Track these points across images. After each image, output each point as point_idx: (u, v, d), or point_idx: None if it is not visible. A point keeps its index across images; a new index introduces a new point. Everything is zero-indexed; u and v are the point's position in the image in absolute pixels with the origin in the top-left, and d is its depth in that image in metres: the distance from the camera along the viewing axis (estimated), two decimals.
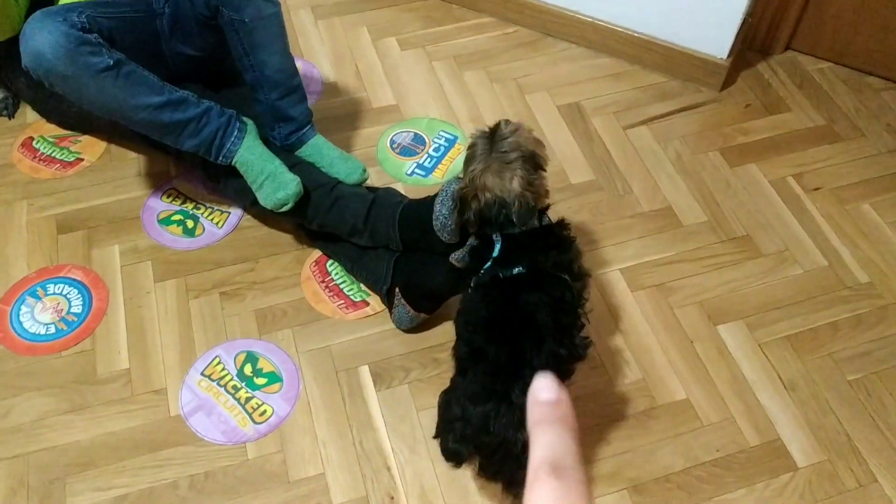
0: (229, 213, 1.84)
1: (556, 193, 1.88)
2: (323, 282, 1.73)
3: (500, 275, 1.30)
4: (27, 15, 1.69)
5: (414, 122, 2.05)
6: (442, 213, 1.45)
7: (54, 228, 1.81)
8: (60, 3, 1.71)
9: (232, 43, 1.64)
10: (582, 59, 2.22)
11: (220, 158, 1.63)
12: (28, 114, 2.05)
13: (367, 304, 1.69)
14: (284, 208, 1.62)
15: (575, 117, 2.06)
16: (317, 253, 1.77)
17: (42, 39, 1.43)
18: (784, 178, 1.94)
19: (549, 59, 2.22)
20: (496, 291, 1.30)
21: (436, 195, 1.52)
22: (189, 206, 1.85)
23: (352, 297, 1.70)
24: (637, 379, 1.60)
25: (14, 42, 1.72)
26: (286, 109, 1.70)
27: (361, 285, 1.71)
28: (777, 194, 1.91)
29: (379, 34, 2.27)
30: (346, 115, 2.05)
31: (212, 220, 1.83)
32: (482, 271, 1.33)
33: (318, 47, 2.21)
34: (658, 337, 1.66)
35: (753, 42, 2.23)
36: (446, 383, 1.57)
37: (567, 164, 1.95)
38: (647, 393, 1.58)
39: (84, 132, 1.99)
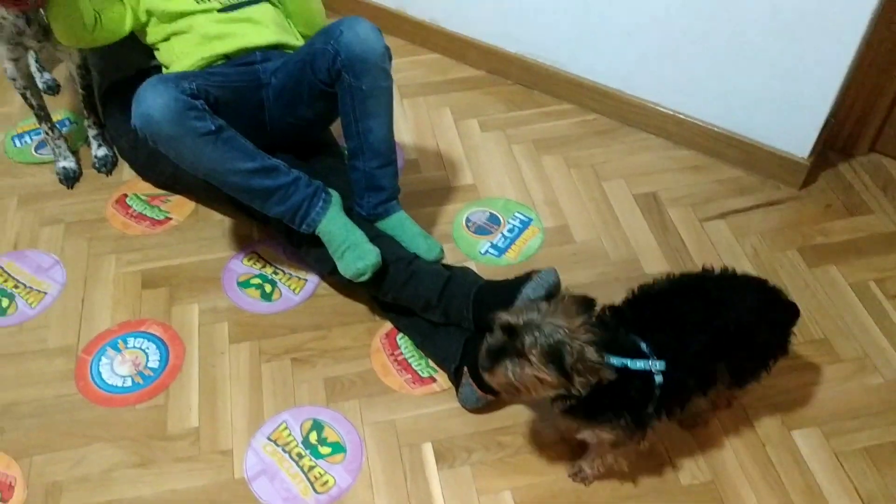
0: (306, 280, 1.89)
1: (631, 283, 1.84)
2: (392, 354, 1.75)
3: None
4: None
5: (490, 202, 2.09)
6: (530, 299, 1.46)
7: (139, 283, 1.88)
8: (172, 70, 1.83)
9: (344, 109, 1.71)
10: (660, 150, 2.23)
11: (304, 227, 1.68)
12: (125, 171, 2.16)
13: (434, 380, 1.70)
14: (362, 278, 1.65)
15: (651, 207, 2.07)
16: (388, 325, 1.80)
17: (153, 102, 1.52)
18: (865, 283, 1.90)
19: (626, 147, 2.24)
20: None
21: (520, 281, 1.53)
22: (268, 271, 1.91)
23: (419, 372, 1.71)
24: (706, 480, 1.55)
25: (121, 103, 1.84)
26: (380, 179, 1.75)
27: (429, 361, 1.72)
28: (857, 298, 1.86)
29: (461, 115, 2.33)
30: (425, 192, 2.10)
31: (289, 286, 1.87)
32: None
33: (402, 124, 2.28)
34: (729, 437, 1.61)
35: (836, 142, 2.21)
36: (509, 467, 1.56)
37: (642, 253, 1.95)
38: (716, 495, 1.53)
39: (175, 193, 2.08)
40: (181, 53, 1.85)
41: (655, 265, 1.93)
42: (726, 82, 2.07)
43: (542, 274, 1.52)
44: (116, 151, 2.16)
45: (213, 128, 1.56)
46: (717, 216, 2.05)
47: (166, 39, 1.89)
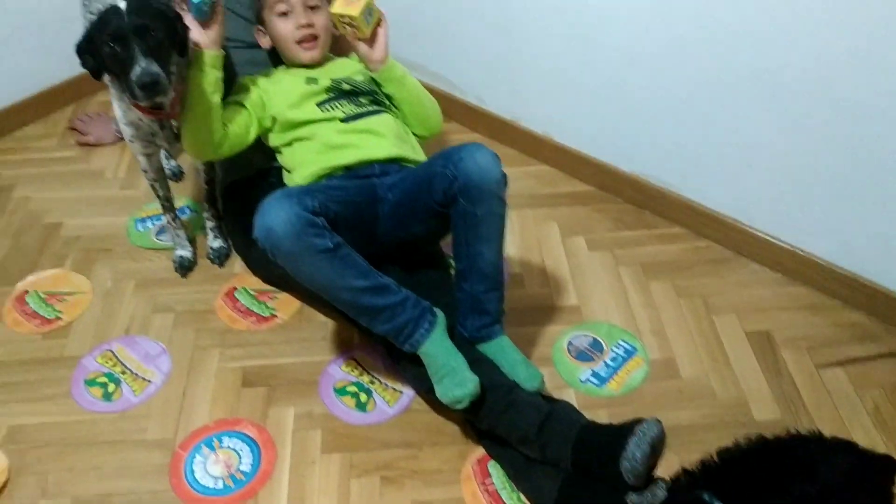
0: (402, 392, 1.87)
1: (738, 428, 1.77)
2: (483, 483, 1.69)
3: None
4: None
5: (594, 326, 2.04)
6: (636, 457, 1.40)
7: (240, 381, 1.90)
8: (295, 182, 1.88)
9: (456, 231, 1.72)
10: (775, 285, 2.15)
11: (407, 346, 1.68)
12: (236, 264, 2.22)
13: None
14: (459, 406, 1.62)
15: (764, 347, 1.97)
16: (481, 450, 1.75)
17: (276, 217, 1.56)
18: None
19: (740, 279, 2.16)
20: None
21: (625, 429, 1.47)
22: (365, 379, 1.90)
23: None
24: None
25: (241, 201, 1.92)
26: (485, 303, 1.74)
27: (521, 495, 1.66)
28: None
29: (569, 231, 2.31)
30: (527, 309, 2.07)
31: (384, 397, 1.86)
32: None
33: (508, 236, 2.25)
34: None
35: None
36: None
37: (752, 397, 1.85)
38: None
39: (283, 290, 2.12)
40: (303, 160, 1.91)
41: (766, 412, 1.82)
42: (852, 222, 1.99)
43: (645, 427, 1.46)
44: (231, 244, 2.23)
45: (331, 245, 1.59)
46: (835, 363, 1.93)
47: (289, 144, 1.96)
